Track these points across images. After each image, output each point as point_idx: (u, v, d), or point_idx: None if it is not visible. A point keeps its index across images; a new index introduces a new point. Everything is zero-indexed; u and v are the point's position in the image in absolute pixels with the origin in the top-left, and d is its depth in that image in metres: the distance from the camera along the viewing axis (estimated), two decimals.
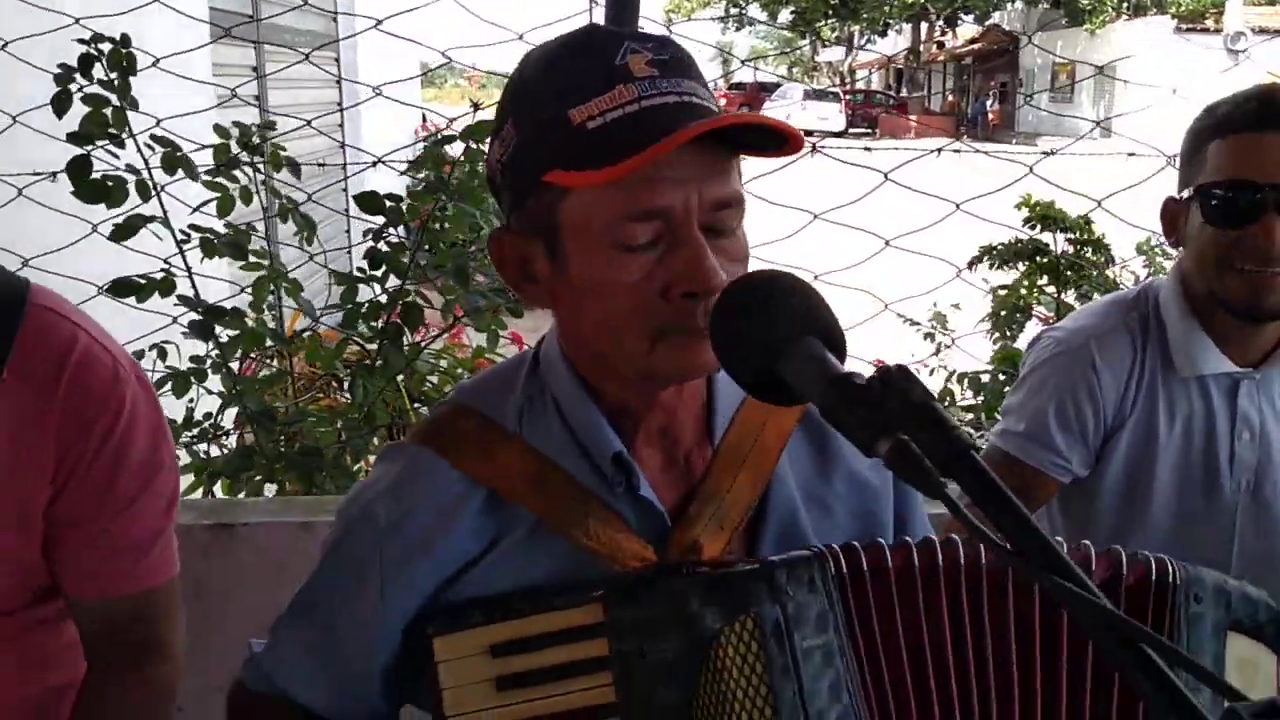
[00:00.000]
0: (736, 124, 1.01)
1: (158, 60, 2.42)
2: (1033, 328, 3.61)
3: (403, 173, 3.14)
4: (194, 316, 2.49)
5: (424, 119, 11.03)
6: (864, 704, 1.04)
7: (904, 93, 48.91)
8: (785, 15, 46.53)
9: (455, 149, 2.82)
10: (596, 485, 1.16)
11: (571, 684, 1.09)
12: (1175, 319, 1.83)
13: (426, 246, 2.60)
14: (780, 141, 1.05)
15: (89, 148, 2.36)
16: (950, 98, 47.35)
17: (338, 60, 6.98)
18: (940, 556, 1.09)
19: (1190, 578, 1.11)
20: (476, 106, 2.67)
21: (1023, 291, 3.49)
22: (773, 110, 34.08)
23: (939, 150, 2.54)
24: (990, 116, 40.97)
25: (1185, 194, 1.79)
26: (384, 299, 2.68)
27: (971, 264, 3.43)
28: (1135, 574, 1.11)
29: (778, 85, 40.88)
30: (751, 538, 1.20)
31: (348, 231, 5.32)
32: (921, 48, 47.16)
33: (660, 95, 1.03)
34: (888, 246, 2.40)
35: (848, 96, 43.08)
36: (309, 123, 2.61)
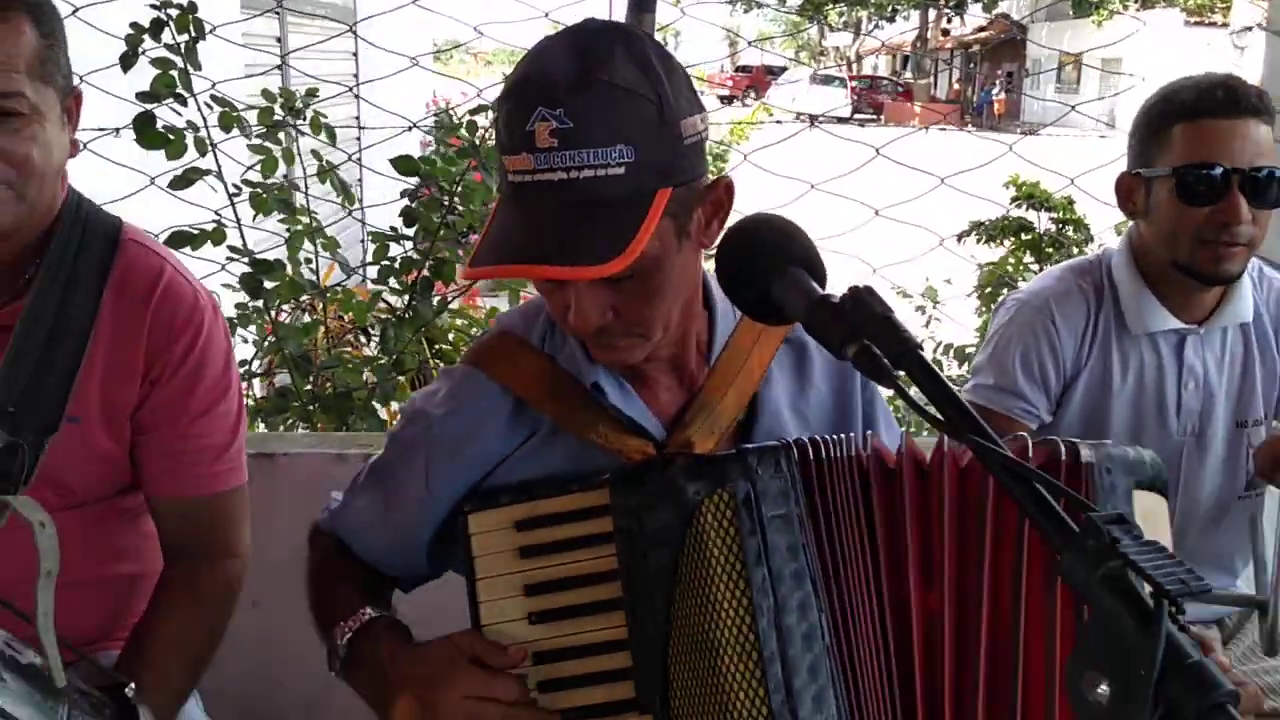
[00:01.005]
0: (534, 277, 1.26)
1: (214, 29, 2.63)
2: None
3: (437, 140, 3.36)
4: (240, 266, 2.71)
5: (434, 94, 11.24)
6: (815, 559, 1.26)
7: (910, 79, 48.95)
8: None
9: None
10: (603, 396, 1.41)
11: (581, 554, 1.34)
12: (1127, 283, 2.05)
13: (457, 208, 2.81)
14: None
15: (154, 105, 2.57)
16: (956, 85, 47.43)
17: (354, 33, 7.17)
18: (884, 454, 1.31)
19: (1103, 454, 1.30)
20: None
21: (1009, 267, 3.70)
22: (778, 93, 34.11)
23: (927, 127, 2.75)
24: (996, 105, 41.10)
25: (1148, 171, 1.99)
26: (414, 256, 2.90)
27: (960, 237, 3.64)
28: (1042, 456, 1.31)
29: (784, 69, 40.93)
30: (741, 441, 1.43)
31: (360, 201, 5.53)
32: (929, 35, 47.19)
33: (549, 171, 1.18)
34: (877, 216, 2.62)
35: (854, 82, 43.16)
36: (349, 89, 2.82)
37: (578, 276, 1.21)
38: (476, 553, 1.36)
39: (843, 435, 1.32)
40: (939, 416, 0.97)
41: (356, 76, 7.14)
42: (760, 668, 1.22)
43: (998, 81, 43.59)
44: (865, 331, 1.06)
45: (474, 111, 2.94)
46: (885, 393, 1.56)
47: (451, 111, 8.53)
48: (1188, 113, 1.93)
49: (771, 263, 1.18)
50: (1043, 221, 3.59)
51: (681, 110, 1.25)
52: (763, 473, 1.26)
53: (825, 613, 1.24)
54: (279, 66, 5.28)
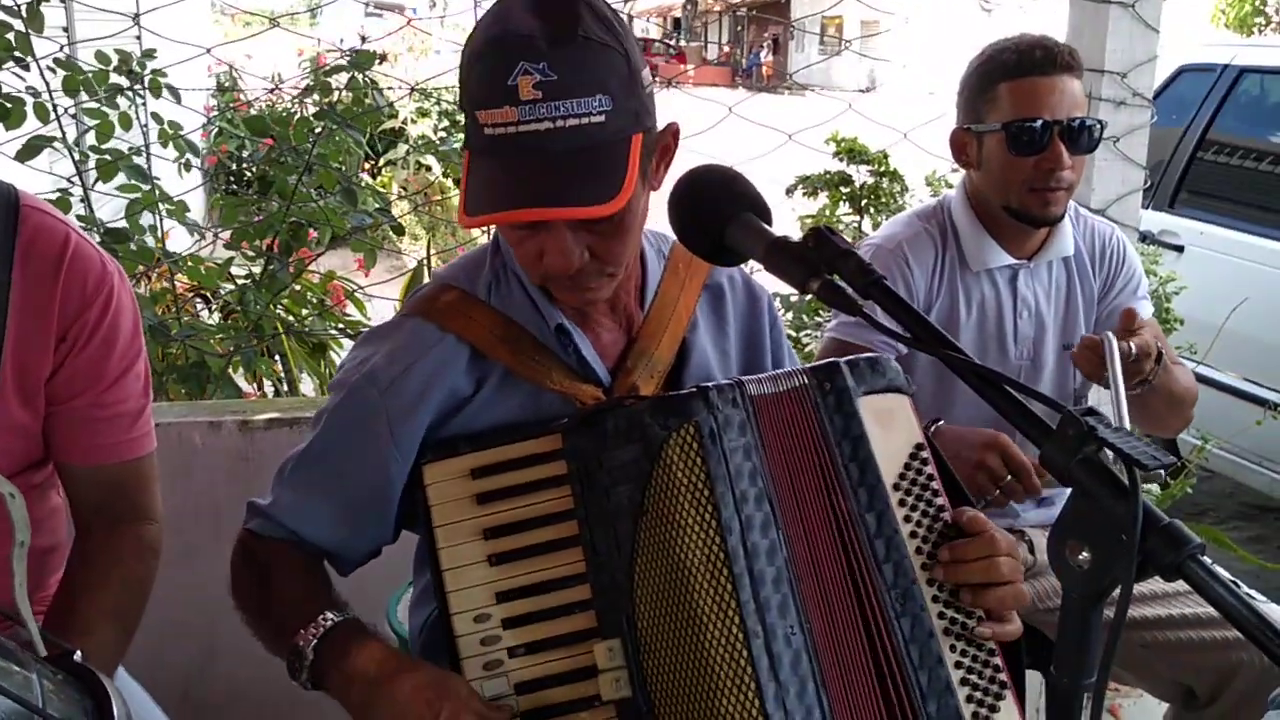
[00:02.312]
0: (545, 219, 1.29)
1: None
2: None
3: (221, 105, 3.28)
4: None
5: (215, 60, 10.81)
6: (769, 480, 1.37)
7: (682, 42, 49.76)
8: None
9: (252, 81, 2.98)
10: (554, 344, 1.48)
11: (537, 496, 1.40)
12: (966, 225, 2.27)
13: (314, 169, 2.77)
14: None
15: None
16: (726, 48, 48.50)
17: None
18: (825, 382, 1.43)
19: (828, 375, 1.43)
20: (363, 39, 2.87)
21: (825, 216, 3.92)
22: None
23: (772, 88, 2.89)
24: (764, 67, 42.32)
25: (979, 127, 2.20)
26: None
27: (789, 191, 3.84)
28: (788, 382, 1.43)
29: None
30: (673, 384, 1.55)
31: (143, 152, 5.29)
32: None
33: (535, 121, 1.25)
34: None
35: None
36: (209, 50, 2.73)
37: (589, 215, 1.28)
38: (433, 501, 1.40)
39: (783, 370, 1.44)
40: (908, 335, 1.09)
41: (140, 39, 6.81)
42: (731, 582, 1.31)
43: (765, 45, 44.88)
44: (827, 267, 1.17)
45: (328, 73, 2.90)
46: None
47: (237, 74, 8.16)
48: (1011, 72, 2.16)
49: (725, 209, 1.28)
50: (861, 175, 3.84)
51: (639, 62, 1.34)
52: (722, 407, 1.37)
53: (781, 529, 1.35)
54: (65, 29, 5.01)
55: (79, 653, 1.42)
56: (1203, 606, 2.17)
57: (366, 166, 9.40)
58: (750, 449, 1.37)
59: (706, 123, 2.64)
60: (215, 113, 8.11)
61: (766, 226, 1.27)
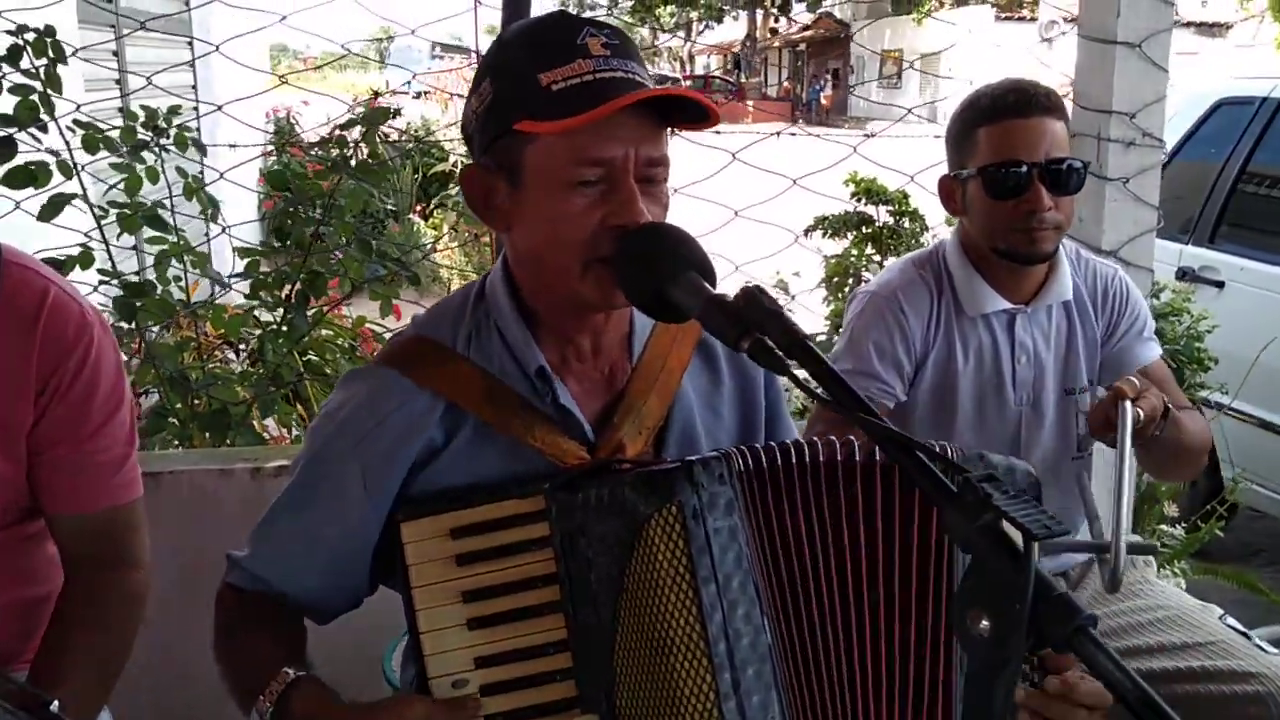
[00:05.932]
0: (665, 95, 1.33)
1: (76, 51, 2.61)
2: None
3: (278, 148, 3.36)
4: (109, 287, 2.70)
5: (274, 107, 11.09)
6: (757, 565, 1.32)
7: (742, 79, 49.97)
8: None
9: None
10: (533, 398, 1.46)
11: (518, 559, 1.36)
12: (960, 271, 2.26)
13: (330, 222, 2.84)
14: (700, 116, 1.36)
15: (13, 130, 2.53)
16: (786, 83, 48.62)
17: (191, 43, 7.02)
18: (817, 455, 1.37)
19: (969, 458, 1.41)
20: (377, 95, 2.94)
21: (853, 257, 3.92)
22: None
23: (778, 134, 2.92)
24: (824, 102, 42.34)
25: (962, 173, 2.20)
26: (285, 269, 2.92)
27: (807, 232, 3.84)
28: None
29: None
30: (659, 440, 1.52)
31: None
32: (758, 34, 48.26)
33: (610, 70, 1.32)
34: (737, 216, 2.78)
35: (687, 82, 43.79)
36: (220, 107, 2.82)
37: (710, 105, 1.34)
38: (411, 561, 1.36)
39: (775, 443, 1.38)
40: (828, 397, 1.10)
41: (195, 89, 7.01)
42: (711, 674, 1.27)
43: (825, 79, 44.89)
44: (757, 326, 1.18)
45: (344, 127, 2.96)
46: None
47: (294, 119, 8.34)
48: (987, 117, 2.17)
49: (668, 267, 1.29)
50: (881, 215, 3.83)
51: None
52: (708, 484, 1.30)
53: (768, 616, 1.30)
54: (109, 79, 5.18)
55: (56, 702, 1.47)
56: (1224, 659, 2.13)
57: (419, 209, 9.54)
58: (736, 529, 1.31)
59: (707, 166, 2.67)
60: (271, 157, 8.28)
61: (707, 285, 1.28)
